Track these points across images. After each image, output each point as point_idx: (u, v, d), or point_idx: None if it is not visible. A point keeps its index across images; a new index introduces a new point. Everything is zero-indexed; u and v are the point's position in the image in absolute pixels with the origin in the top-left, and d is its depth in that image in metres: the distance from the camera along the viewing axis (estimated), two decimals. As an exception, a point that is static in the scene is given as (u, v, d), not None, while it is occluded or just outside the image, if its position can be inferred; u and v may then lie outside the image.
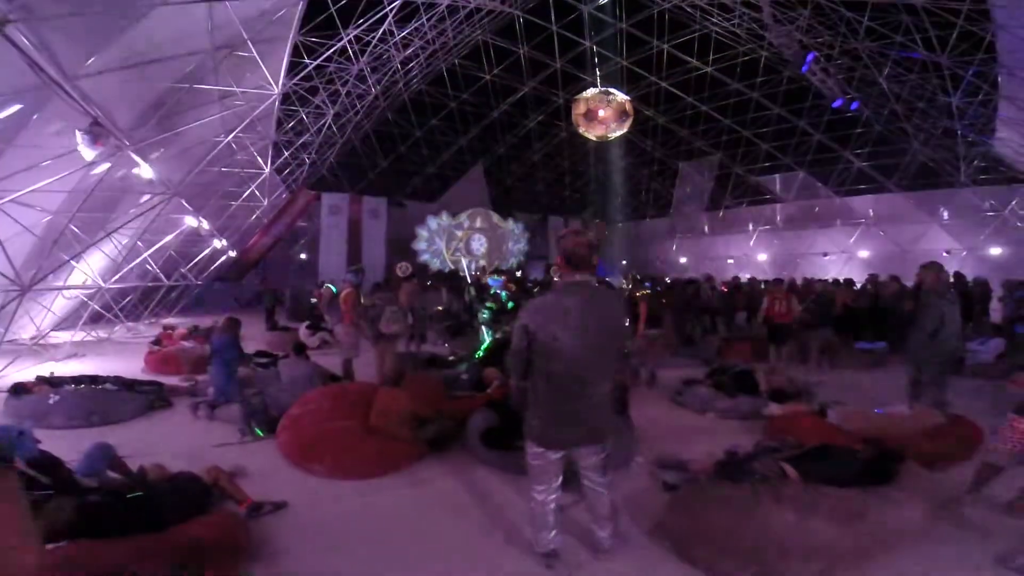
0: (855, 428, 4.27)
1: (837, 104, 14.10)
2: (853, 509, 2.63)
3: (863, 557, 2.60)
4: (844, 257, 19.84)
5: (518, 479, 3.66)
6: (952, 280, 9.85)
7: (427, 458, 4.21)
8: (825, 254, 20.41)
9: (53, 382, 5.69)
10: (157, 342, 8.72)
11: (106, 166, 7.41)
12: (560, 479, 2.69)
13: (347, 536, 3.04)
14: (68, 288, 9.68)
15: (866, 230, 19.28)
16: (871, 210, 19.13)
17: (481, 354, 6.75)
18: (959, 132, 14.30)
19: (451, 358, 7.41)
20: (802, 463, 3.16)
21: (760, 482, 2.98)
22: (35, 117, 6.25)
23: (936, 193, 17.09)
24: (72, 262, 8.24)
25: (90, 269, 9.67)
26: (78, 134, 6.03)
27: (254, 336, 10.06)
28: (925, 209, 17.54)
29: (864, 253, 19.31)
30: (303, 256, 22.01)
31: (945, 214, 17.25)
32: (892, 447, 3.43)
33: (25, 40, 4.83)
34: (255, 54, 8.24)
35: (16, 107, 5.94)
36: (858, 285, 12.13)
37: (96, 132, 6.06)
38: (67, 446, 3.69)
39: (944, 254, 16.28)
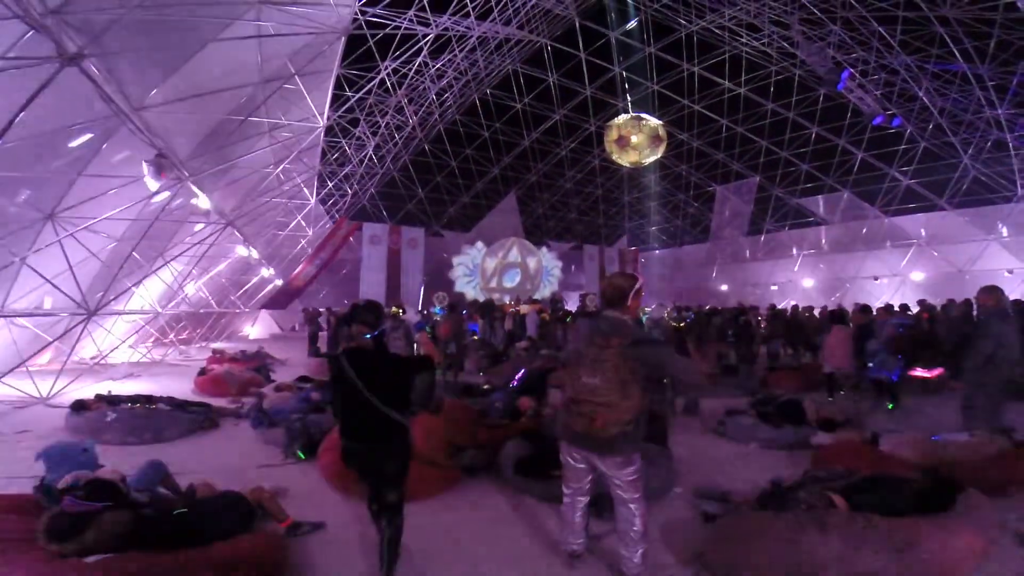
0: (910, 456, 4.01)
1: (878, 121, 13.70)
2: (905, 538, 2.47)
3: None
4: (897, 280, 18.86)
5: (549, 507, 3.62)
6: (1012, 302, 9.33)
7: (462, 484, 4.22)
8: (876, 278, 19.46)
9: (111, 400, 6.02)
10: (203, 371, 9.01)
11: (166, 195, 7.89)
12: (587, 484, 2.84)
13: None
14: (128, 313, 10.28)
15: (919, 251, 18.28)
16: (923, 230, 18.10)
17: None
18: (1011, 144, 13.63)
19: (485, 387, 7.42)
20: (852, 493, 3.00)
21: (806, 511, 2.84)
22: (104, 147, 6.63)
23: (992, 209, 16.08)
24: (133, 288, 8.75)
25: (148, 294, 10.26)
26: (144, 165, 6.43)
27: (297, 362, 10.37)
28: (981, 226, 16.46)
29: (918, 276, 18.30)
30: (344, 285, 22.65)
31: (1004, 230, 16.15)
32: (950, 475, 3.22)
33: (96, 72, 5.12)
34: (301, 87, 8.67)
35: (88, 136, 6.31)
36: (913, 310, 11.49)
37: (160, 163, 6.44)
38: (120, 462, 3.88)
39: (1006, 274, 15.31)
